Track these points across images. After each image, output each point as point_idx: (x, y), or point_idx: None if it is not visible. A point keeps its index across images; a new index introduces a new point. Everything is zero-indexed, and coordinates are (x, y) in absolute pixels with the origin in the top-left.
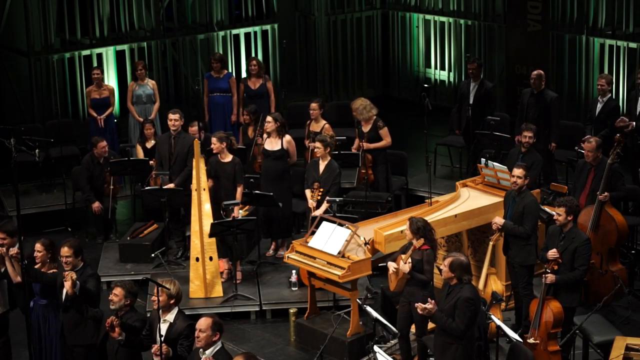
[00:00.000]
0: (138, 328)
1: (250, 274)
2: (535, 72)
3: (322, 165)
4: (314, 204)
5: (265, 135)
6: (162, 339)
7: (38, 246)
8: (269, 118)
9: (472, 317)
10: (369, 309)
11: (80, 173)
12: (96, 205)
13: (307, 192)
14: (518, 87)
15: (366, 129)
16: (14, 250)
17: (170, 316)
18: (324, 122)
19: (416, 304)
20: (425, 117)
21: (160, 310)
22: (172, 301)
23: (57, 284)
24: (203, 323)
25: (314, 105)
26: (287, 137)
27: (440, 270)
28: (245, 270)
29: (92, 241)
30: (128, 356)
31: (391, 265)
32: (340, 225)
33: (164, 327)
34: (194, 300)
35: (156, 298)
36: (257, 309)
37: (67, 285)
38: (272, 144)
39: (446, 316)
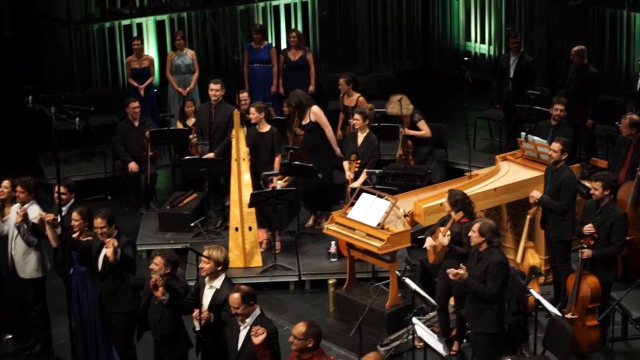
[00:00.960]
0: (182, 293)
1: (289, 245)
2: (576, 48)
3: (360, 137)
4: (352, 176)
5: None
6: (207, 305)
7: (75, 215)
8: (251, 109)
9: (504, 281)
10: (407, 281)
11: (116, 139)
12: (132, 165)
13: (345, 164)
14: (558, 62)
15: (406, 124)
16: (50, 216)
17: (217, 282)
18: (356, 95)
19: (447, 270)
20: (465, 91)
21: (207, 277)
22: (219, 268)
23: (92, 253)
24: (233, 300)
25: (341, 80)
26: (313, 109)
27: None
28: (285, 240)
29: (131, 210)
30: (171, 323)
31: (429, 239)
32: (380, 197)
33: (209, 293)
34: (233, 269)
35: (203, 265)
36: (296, 280)
37: (109, 252)
38: (304, 119)
39: (478, 282)
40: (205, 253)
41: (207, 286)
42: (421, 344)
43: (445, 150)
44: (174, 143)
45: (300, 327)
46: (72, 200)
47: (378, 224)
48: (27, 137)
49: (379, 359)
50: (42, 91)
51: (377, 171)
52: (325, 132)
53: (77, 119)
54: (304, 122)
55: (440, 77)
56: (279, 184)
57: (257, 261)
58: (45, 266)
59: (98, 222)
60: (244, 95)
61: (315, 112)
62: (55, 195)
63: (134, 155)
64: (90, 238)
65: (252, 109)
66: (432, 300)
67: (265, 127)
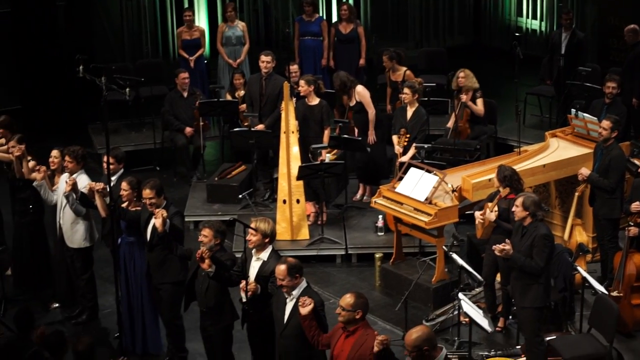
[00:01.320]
0: (228, 265)
1: (336, 218)
2: (629, 27)
3: (409, 112)
4: (400, 150)
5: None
6: (254, 277)
7: (124, 185)
8: (301, 82)
9: (549, 254)
10: (454, 256)
11: (165, 110)
12: (188, 129)
13: (394, 138)
14: (610, 39)
15: (468, 97)
16: (100, 185)
17: (264, 254)
18: (403, 69)
19: (493, 247)
20: (515, 66)
21: (254, 249)
22: (266, 240)
23: (140, 223)
24: (279, 272)
25: (384, 57)
26: (358, 89)
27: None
28: (332, 214)
29: (179, 181)
30: (217, 294)
31: (478, 214)
32: (428, 171)
33: (256, 265)
34: (280, 242)
35: (251, 238)
36: (343, 253)
37: (158, 222)
38: (350, 100)
39: (524, 257)
40: (252, 225)
41: (254, 258)
42: (467, 319)
43: (495, 126)
44: (223, 115)
45: (348, 299)
46: (121, 171)
47: (426, 199)
48: (77, 107)
49: (426, 333)
50: (92, 61)
51: (425, 145)
52: (370, 112)
53: (127, 90)
54: (351, 104)
55: (491, 52)
56: (327, 157)
57: (304, 234)
58: (93, 236)
59: (147, 192)
60: (294, 67)
61: (360, 92)
62: (104, 165)
63: (186, 124)
64: (138, 208)
65: (302, 82)
66: (479, 276)
67: (315, 100)
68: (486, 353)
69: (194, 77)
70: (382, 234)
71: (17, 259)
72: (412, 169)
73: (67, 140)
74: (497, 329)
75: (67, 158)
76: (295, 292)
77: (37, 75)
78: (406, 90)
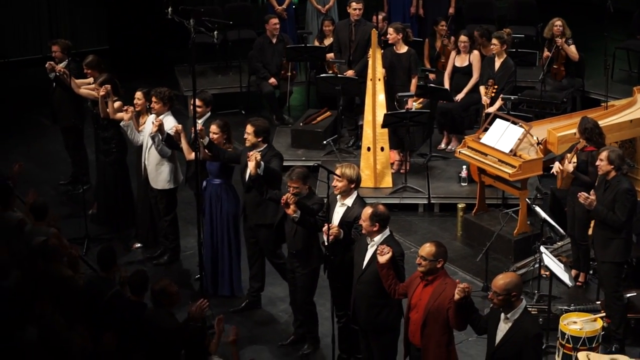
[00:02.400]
0: (314, 210)
1: (420, 167)
2: None
3: (497, 62)
4: (488, 101)
5: (454, 53)
6: (337, 222)
7: (214, 127)
8: (389, 29)
9: (631, 209)
10: (537, 209)
11: (253, 54)
12: (272, 80)
13: (482, 89)
14: None
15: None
16: (178, 127)
17: (349, 200)
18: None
19: (579, 194)
20: (605, 20)
21: (339, 195)
22: (352, 185)
23: (240, 163)
24: (364, 214)
25: (390, 29)
26: (475, 52)
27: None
28: (416, 162)
29: None
30: (305, 238)
31: (557, 164)
32: (514, 123)
33: (341, 211)
34: (363, 189)
35: (336, 184)
36: (426, 202)
37: (251, 165)
38: (461, 61)
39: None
40: (337, 172)
41: (338, 204)
42: (547, 273)
43: (582, 80)
44: (310, 60)
45: (429, 248)
46: (209, 114)
47: (511, 151)
48: (164, 49)
49: (516, 279)
50: (181, 3)
51: (512, 97)
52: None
53: (215, 32)
54: (462, 64)
55: (581, 5)
56: (413, 105)
57: (388, 182)
58: (178, 178)
59: (248, 128)
60: (382, 15)
61: (476, 56)
62: (190, 107)
63: (270, 72)
64: (230, 150)
65: (390, 29)
66: (561, 230)
67: (403, 48)
68: (565, 307)
69: (282, 22)
70: (466, 184)
71: (100, 198)
72: (497, 120)
73: (154, 82)
74: (577, 283)
75: (153, 99)
76: (377, 239)
77: (125, 16)
78: (495, 41)
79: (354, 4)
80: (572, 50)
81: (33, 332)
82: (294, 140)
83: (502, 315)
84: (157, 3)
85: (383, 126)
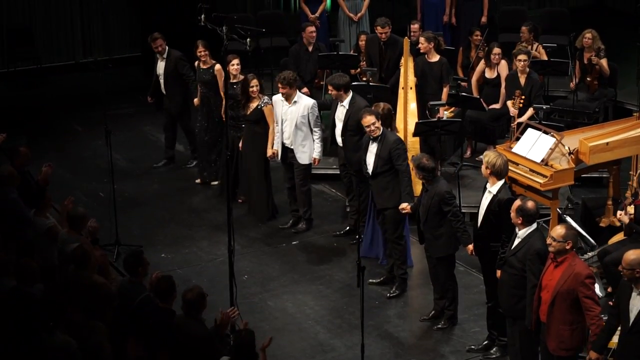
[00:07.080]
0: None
1: (451, 176)
2: None
3: (522, 78)
4: (516, 112)
5: (482, 64)
6: (484, 209)
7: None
8: (421, 39)
9: None
10: (568, 219)
11: (288, 61)
12: (305, 90)
13: (509, 103)
14: None
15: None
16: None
17: (494, 188)
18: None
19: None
20: (639, 29)
21: (488, 182)
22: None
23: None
24: (513, 205)
25: (422, 38)
26: (502, 62)
27: None
28: (447, 171)
29: None
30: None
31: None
32: (546, 132)
33: (488, 197)
34: None
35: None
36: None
37: None
38: (490, 72)
39: None
40: (485, 157)
41: (486, 190)
42: None
43: (615, 89)
44: (341, 68)
45: (559, 230)
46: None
47: (542, 160)
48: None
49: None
50: (214, 10)
51: (544, 106)
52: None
53: (247, 40)
54: (491, 76)
55: (614, 14)
56: (445, 114)
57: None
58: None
59: (366, 120)
60: (415, 27)
61: (503, 66)
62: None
63: (304, 80)
64: None
65: (422, 39)
66: (592, 240)
67: (435, 57)
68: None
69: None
70: None
71: (231, 169)
72: (529, 130)
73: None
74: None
75: (279, 85)
76: (521, 233)
77: (158, 23)
78: (523, 57)
79: (379, 29)
80: (604, 65)
81: (60, 337)
82: (324, 148)
83: (634, 292)
84: (190, 10)
85: (414, 135)
